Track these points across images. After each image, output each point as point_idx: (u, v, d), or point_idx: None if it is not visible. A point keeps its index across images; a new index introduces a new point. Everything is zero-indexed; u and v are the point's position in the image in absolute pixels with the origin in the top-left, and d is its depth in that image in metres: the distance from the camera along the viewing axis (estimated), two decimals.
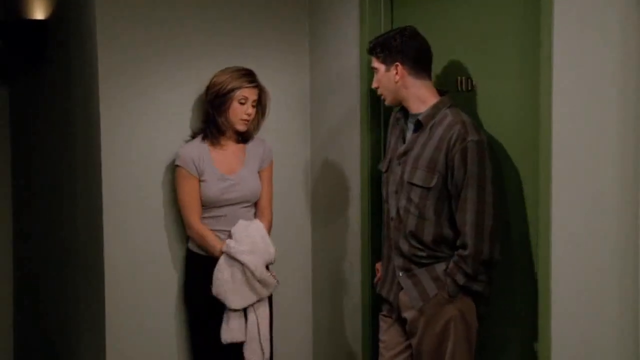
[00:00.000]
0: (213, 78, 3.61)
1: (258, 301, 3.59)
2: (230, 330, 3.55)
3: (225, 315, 3.55)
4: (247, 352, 3.58)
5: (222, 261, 3.52)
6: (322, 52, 4.01)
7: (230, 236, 3.58)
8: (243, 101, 3.58)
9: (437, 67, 3.35)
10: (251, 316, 3.59)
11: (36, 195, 4.69)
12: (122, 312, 3.67)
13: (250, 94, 3.59)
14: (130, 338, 3.70)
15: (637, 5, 2.57)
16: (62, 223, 4.31)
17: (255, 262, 3.53)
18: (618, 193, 2.66)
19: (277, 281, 3.62)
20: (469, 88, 3.24)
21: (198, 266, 3.63)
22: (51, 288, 4.51)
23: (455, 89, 3.28)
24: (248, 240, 3.56)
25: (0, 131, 5.00)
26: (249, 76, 3.61)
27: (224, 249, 3.53)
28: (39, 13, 4.35)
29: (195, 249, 3.65)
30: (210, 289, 3.55)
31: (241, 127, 3.62)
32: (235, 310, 3.53)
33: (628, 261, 2.65)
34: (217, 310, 3.57)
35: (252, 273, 3.51)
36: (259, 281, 3.54)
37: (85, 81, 3.78)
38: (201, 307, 3.63)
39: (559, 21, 2.78)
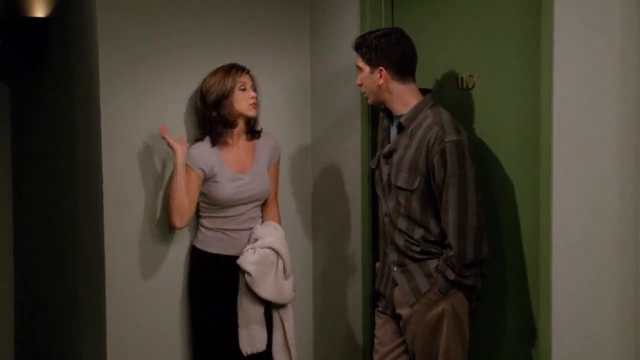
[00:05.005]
0: (204, 84, 3.62)
1: (283, 306, 3.65)
2: (251, 341, 3.59)
3: (243, 325, 3.59)
4: (276, 356, 3.67)
5: (264, 250, 3.58)
6: (322, 48, 4.00)
7: (255, 239, 3.63)
8: (243, 87, 3.60)
9: (437, 65, 3.36)
10: (276, 321, 3.65)
11: (37, 194, 4.69)
12: (123, 312, 3.67)
13: (247, 79, 3.62)
14: (131, 338, 3.70)
15: (637, 5, 2.57)
16: (62, 222, 4.30)
17: (287, 257, 3.63)
18: (619, 192, 2.66)
19: (294, 291, 3.71)
20: (470, 86, 3.24)
21: (204, 264, 3.65)
22: (51, 287, 4.51)
23: (456, 87, 3.28)
24: (279, 234, 3.67)
25: (0, 128, 4.99)
26: (238, 66, 3.64)
27: (256, 244, 3.59)
28: (39, 11, 4.34)
29: (200, 246, 3.66)
30: (216, 286, 3.59)
31: (252, 112, 3.63)
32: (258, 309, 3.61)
33: (629, 259, 2.65)
34: (224, 307, 3.60)
35: (285, 266, 3.60)
36: (287, 277, 3.63)
37: (86, 79, 3.78)
38: (208, 306, 3.64)
39: (560, 20, 2.78)
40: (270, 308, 3.66)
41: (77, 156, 4.01)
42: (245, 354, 3.60)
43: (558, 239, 2.84)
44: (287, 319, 3.67)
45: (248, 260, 3.54)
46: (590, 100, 2.72)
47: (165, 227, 3.72)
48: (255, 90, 3.65)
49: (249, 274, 3.53)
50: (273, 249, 3.59)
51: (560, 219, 2.83)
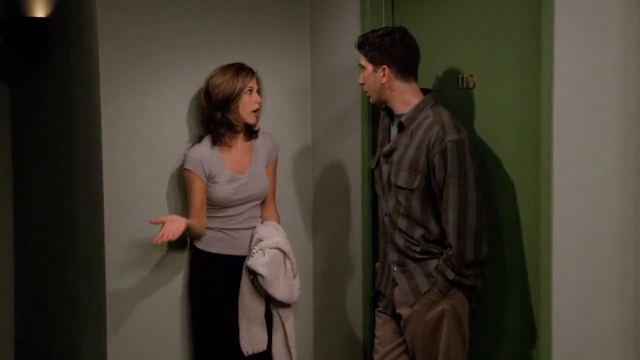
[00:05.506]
0: (210, 81, 3.59)
1: (284, 306, 3.66)
2: (252, 341, 3.59)
3: (243, 325, 3.59)
4: (276, 357, 3.67)
5: (272, 251, 3.58)
6: (323, 47, 4.00)
7: (259, 239, 3.63)
8: (250, 91, 3.58)
9: (437, 64, 3.35)
10: (277, 321, 3.66)
11: (37, 194, 4.69)
12: (123, 312, 3.67)
13: (254, 83, 3.61)
14: (131, 335, 3.70)
15: (637, 5, 2.57)
16: (62, 222, 4.31)
17: (293, 256, 3.65)
18: (619, 191, 2.66)
19: (300, 289, 3.73)
20: (470, 86, 3.24)
21: (205, 264, 3.66)
22: (51, 287, 4.51)
23: (456, 86, 3.28)
24: (282, 235, 3.67)
25: (1, 128, 4.99)
26: (246, 67, 3.62)
27: (263, 245, 3.58)
28: (39, 11, 4.34)
29: (202, 247, 3.66)
30: (216, 286, 3.60)
31: (252, 120, 3.63)
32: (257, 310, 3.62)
33: (629, 259, 2.65)
34: (224, 307, 3.60)
35: (292, 265, 3.62)
36: (295, 275, 3.65)
37: (86, 79, 3.78)
38: (209, 305, 3.64)
39: (560, 20, 2.78)
40: (270, 308, 3.66)
41: (77, 156, 4.01)
42: (246, 354, 3.60)
43: (558, 239, 2.84)
44: (287, 320, 3.67)
45: (260, 263, 3.53)
46: (591, 100, 2.72)
47: None
48: (260, 93, 3.64)
49: (262, 276, 3.53)
50: (280, 249, 3.60)
51: (561, 219, 2.82)
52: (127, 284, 3.68)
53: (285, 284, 3.60)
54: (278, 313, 3.66)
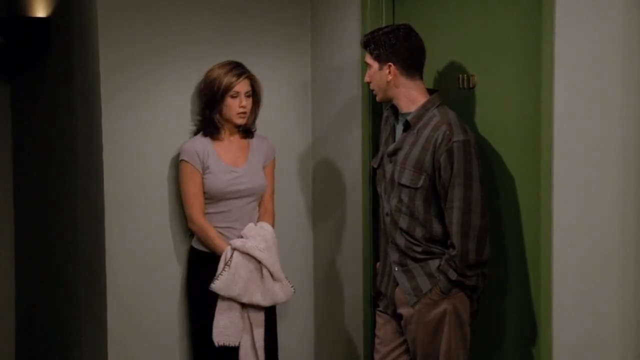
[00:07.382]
0: (208, 74, 3.62)
1: (254, 308, 3.61)
2: (226, 332, 3.57)
3: (219, 314, 3.56)
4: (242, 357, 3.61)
5: (239, 259, 3.53)
6: (323, 46, 4.00)
7: (240, 236, 3.61)
8: (235, 95, 3.58)
9: (438, 64, 3.35)
10: (245, 322, 3.61)
11: (38, 192, 4.69)
12: (124, 312, 3.67)
13: (242, 87, 3.60)
14: (131, 335, 3.70)
15: (637, 4, 2.57)
16: (63, 219, 4.31)
17: (272, 261, 3.57)
18: (619, 191, 2.66)
19: (294, 290, 3.68)
20: (470, 86, 3.24)
21: (202, 264, 3.65)
22: (52, 287, 4.51)
23: (457, 86, 3.28)
24: (260, 239, 3.59)
25: (1, 128, 5.00)
26: (238, 69, 3.61)
27: (236, 244, 3.53)
28: (40, 11, 4.35)
29: (198, 246, 3.66)
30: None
31: (239, 120, 3.63)
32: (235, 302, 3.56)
33: (630, 258, 2.65)
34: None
35: (269, 271, 3.56)
36: (276, 280, 3.58)
37: (87, 78, 3.78)
38: (204, 305, 3.63)
39: (561, 19, 2.78)
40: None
41: (77, 155, 4.01)
42: (217, 345, 3.56)
43: (558, 239, 2.83)
44: (257, 325, 3.61)
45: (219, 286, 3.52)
46: (591, 99, 2.72)
47: (166, 227, 3.72)
48: (252, 96, 3.64)
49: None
50: (251, 255, 3.55)
51: (561, 218, 2.82)
52: (128, 284, 3.68)
53: (258, 290, 3.56)
54: (248, 317, 3.60)
